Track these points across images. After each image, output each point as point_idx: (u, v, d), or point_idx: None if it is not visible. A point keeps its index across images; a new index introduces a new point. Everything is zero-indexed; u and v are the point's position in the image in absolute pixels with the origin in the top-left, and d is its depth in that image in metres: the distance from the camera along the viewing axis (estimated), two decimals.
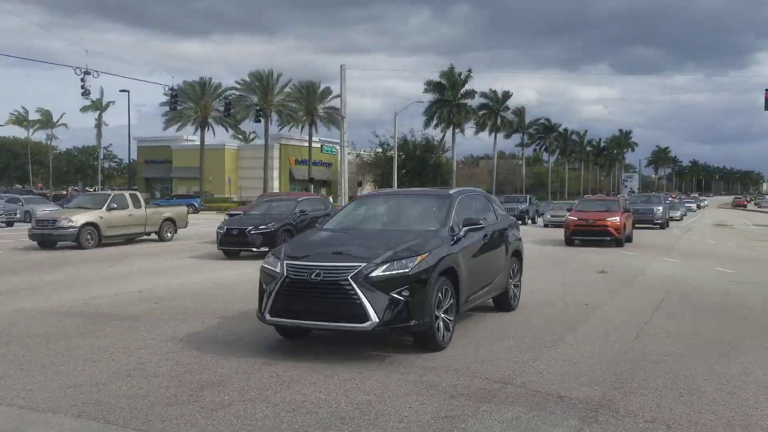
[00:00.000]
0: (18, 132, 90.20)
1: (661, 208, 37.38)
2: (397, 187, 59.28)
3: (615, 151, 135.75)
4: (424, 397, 5.84)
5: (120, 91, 60.39)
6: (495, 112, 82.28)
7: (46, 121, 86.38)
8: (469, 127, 77.49)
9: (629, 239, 24.82)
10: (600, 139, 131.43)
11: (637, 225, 32.27)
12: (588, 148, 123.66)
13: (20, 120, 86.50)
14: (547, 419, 5.30)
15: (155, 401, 5.66)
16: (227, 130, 73.33)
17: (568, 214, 26.37)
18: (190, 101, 65.33)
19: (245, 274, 14.41)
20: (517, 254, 10.42)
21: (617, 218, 23.23)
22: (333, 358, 7.13)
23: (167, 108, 55.68)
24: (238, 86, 66.80)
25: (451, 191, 9.08)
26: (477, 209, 9.28)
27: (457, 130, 72.79)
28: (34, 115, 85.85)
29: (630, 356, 7.37)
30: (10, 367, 6.71)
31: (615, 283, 13.48)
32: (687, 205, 73.24)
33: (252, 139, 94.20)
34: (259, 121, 56.63)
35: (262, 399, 5.73)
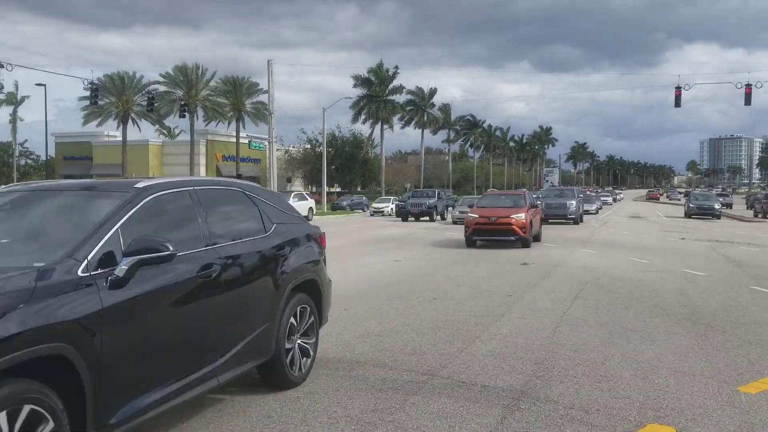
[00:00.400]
0: None
1: (574, 202, 35.79)
2: (327, 183, 59.19)
3: (536, 147, 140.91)
4: (353, 391, 5.91)
5: (36, 84, 57.51)
6: (421, 108, 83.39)
7: None
8: (397, 123, 78.21)
9: (537, 238, 22.35)
10: (522, 135, 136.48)
11: (550, 221, 32.97)
12: (511, 144, 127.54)
13: None
14: (472, 409, 5.46)
15: None
16: (152, 126, 71.33)
17: (468, 211, 24.24)
18: (112, 95, 63.17)
19: None
20: (310, 288, 6.38)
21: (523, 215, 20.52)
22: None
23: (87, 102, 53.68)
24: (162, 80, 65.02)
25: (140, 184, 4.83)
26: (204, 218, 5.15)
27: (385, 126, 73.33)
28: None
29: (550, 345, 7.66)
30: None
31: (537, 275, 13.93)
32: (603, 198, 74.07)
33: (177, 135, 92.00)
34: (184, 116, 55.30)
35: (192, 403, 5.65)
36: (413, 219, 39.94)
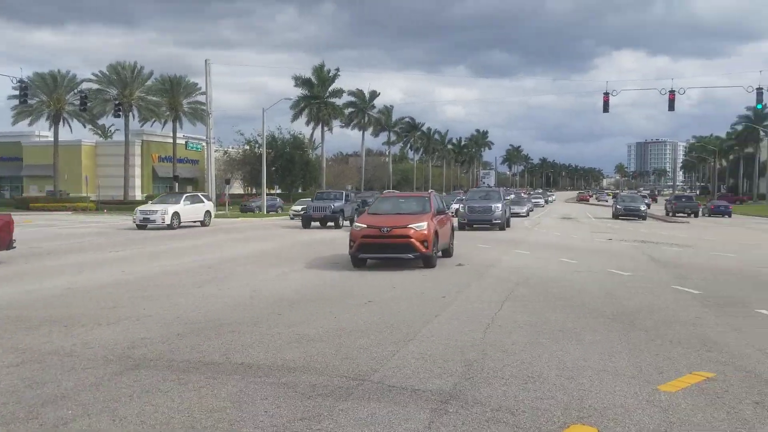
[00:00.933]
0: None
1: (500, 205, 31.17)
2: (267, 185, 58.43)
3: (474, 150, 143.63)
4: (282, 399, 5.83)
5: None
6: (362, 110, 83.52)
7: None
8: (338, 125, 78.10)
9: (448, 253, 17.94)
10: (460, 138, 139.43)
11: (475, 227, 30.83)
12: (449, 147, 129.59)
13: None
14: (400, 414, 5.46)
15: None
16: (84, 126, 69.05)
17: (356, 219, 19.93)
18: (43, 94, 60.92)
19: (77, 282, 13.70)
20: None
21: (425, 224, 15.54)
22: (189, 366, 6.93)
23: (17, 102, 51.57)
24: (95, 79, 63.06)
25: None
26: None
27: (325, 128, 73.07)
28: None
29: (481, 346, 7.75)
30: None
31: (470, 276, 14.10)
32: (535, 200, 73.63)
33: (111, 135, 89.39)
34: (119, 116, 53.73)
35: (109, 412, 5.48)
36: (319, 225, 33.80)
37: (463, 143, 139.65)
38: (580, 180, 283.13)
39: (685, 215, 52.65)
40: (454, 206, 39.19)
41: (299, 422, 5.27)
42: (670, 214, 53.80)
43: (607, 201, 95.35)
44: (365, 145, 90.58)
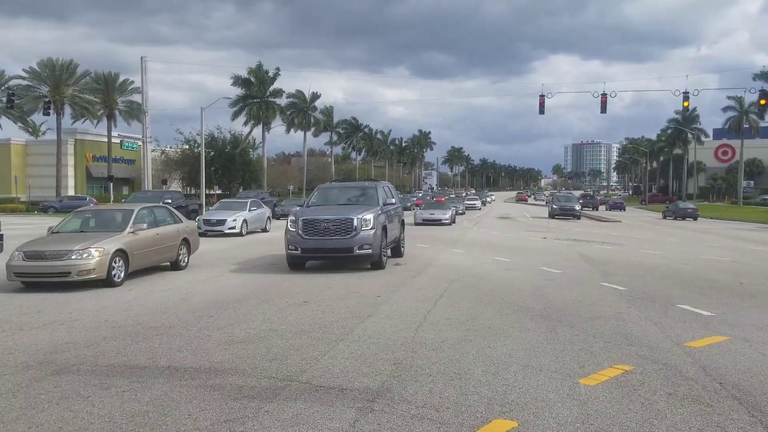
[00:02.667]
0: None
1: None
2: (207, 185, 57.43)
3: (416, 150, 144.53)
4: (207, 402, 5.77)
5: None
6: (304, 110, 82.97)
7: None
8: (279, 125, 77.32)
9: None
10: (402, 138, 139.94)
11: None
12: (392, 147, 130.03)
13: None
14: (326, 413, 5.48)
15: None
16: (15, 123, 66.38)
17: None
18: None
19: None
20: None
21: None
22: (114, 370, 6.78)
23: None
24: (25, 75, 60.74)
25: None
26: None
27: (265, 128, 72.32)
28: None
29: (411, 345, 7.84)
30: None
31: (407, 275, 14.22)
32: (468, 202, 68.48)
33: (44, 133, 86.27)
34: (49, 113, 51.86)
35: (25, 419, 5.31)
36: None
37: (405, 144, 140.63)
38: (520, 180, 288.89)
39: (589, 209, 68.52)
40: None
41: (223, 424, 5.23)
42: (589, 208, 69.93)
43: (544, 201, 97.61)
44: (307, 145, 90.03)
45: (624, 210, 74.85)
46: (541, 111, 42.36)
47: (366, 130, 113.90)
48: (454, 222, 37.64)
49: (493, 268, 15.81)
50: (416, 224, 34.64)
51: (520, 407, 5.67)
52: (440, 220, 36.20)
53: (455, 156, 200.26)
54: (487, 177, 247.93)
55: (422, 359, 7.18)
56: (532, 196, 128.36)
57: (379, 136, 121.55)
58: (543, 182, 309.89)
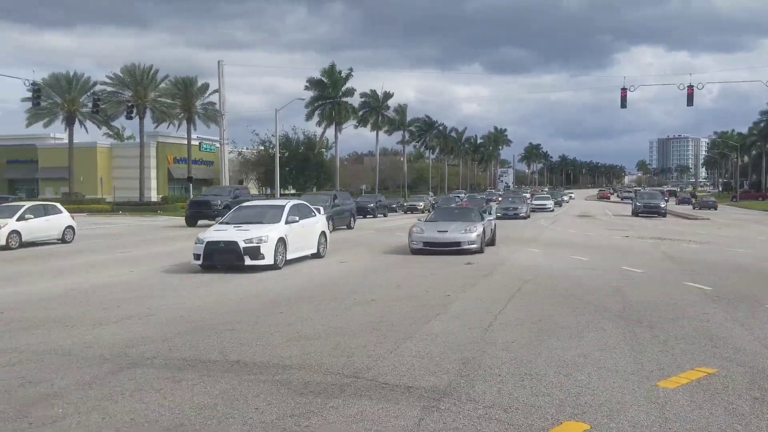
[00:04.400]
0: None
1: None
2: (281, 186, 58.58)
3: (491, 148, 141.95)
4: (273, 396, 5.79)
5: None
6: (376, 110, 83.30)
7: None
8: (351, 125, 78.00)
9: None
10: (476, 136, 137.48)
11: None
12: (466, 145, 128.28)
13: None
14: (391, 411, 5.39)
15: None
16: (99, 128, 69.62)
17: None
18: (57, 96, 61.44)
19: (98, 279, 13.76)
20: None
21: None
22: (185, 364, 6.92)
23: (30, 104, 52.04)
24: (109, 81, 63.55)
25: None
26: None
27: (338, 128, 73.08)
28: None
29: (480, 344, 7.66)
30: None
31: (478, 274, 13.98)
32: (537, 202, 56.15)
33: (128, 137, 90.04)
34: (131, 117, 54.08)
35: (100, 410, 5.46)
36: None
37: (479, 141, 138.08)
38: (601, 177, 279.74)
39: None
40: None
41: (288, 419, 5.22)
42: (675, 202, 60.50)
43: (629, 198, 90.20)
44: (380, 144, 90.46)
45: (716, 209, 62.25)
46: (623, 105, 40.99)
47: (440, 128, 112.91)
48: (481, 249, 18.41)
49: (569, 267, 15.35)
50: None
51: (593, 409, 5.42)
52: (458, 243, 18.11)
53: (532, 153, 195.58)
54: (567, 174, 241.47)
55: (491, 359, 7.00)
56: (615, 194, 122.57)
57: (453, 134, 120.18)
58: (626, 179, 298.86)
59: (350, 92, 73.07)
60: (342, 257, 17.72)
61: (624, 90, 40.59)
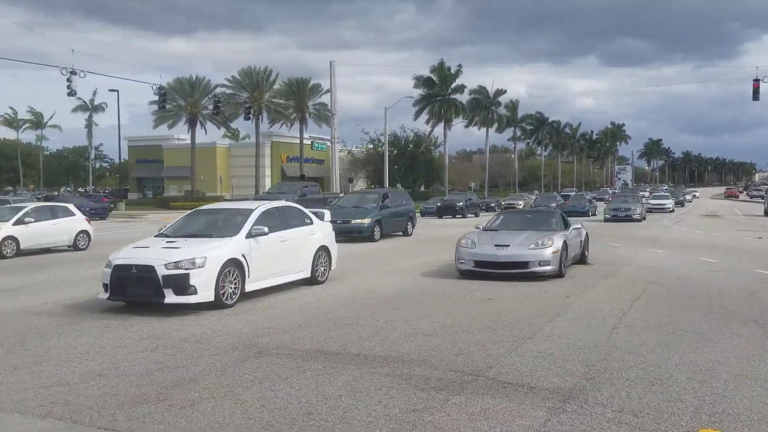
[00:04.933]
0: (7, 134, 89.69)
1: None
2: (390, 183, 59.22)
3: (608, 144, 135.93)
4: (395, 390, 5.85)
5: (109, 90, 60.25)
6: (486, 107, 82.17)
7: (37, 122, 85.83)
8: (458, 123, 77.40)
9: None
10: (592, 131, 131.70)
11: None
12: (581, 141, 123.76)
13: (10, 121, 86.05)
14: (515, 410, 5.31)
15: (124, 400, 5.65)
16: (218, 128, 73.12)
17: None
18: (180, 99, 65.03)
19: None
20: None
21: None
22: (308, 355, 7.12)
23: (156, 107, 55.43)
24: (228, 83, 66.55)
25: None
26: None
27: (447, 126, 72.78)
28: (24, 117, 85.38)
29: (605, 347, 7.39)
30: None
31: (599, 275, 13.49)
32: (655, 201, 47.87)
33: (244, 138, 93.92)
34: (249, 118, 56.40)
35: (232, 396, 5.73)
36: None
37: (595, 137, 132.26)
38: (729, 175, 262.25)
39: None
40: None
41: (411, 413, 5.26)
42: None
43: (761, 197, 79.22)
44: (489, 141, 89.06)
45: None
46: (755, 97, 38.33)
47: (554, 124, 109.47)
48: (560, 272, 13.10)
49: (697, 269, 14.51)
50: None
51: (731, 418, 5.11)
52: (525, 263, 12.88)
53: (653, 149, 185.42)
54: (690, 171, 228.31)
55: (618, 362, 6.74)
56: (745, 192, 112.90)
57: (566, 129, 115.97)
58: (757, 176, 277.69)
59: (460, 89, 72.49)
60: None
61: (756, 81, 37.97)
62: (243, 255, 10.29)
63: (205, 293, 9.53)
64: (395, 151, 70.35)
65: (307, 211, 12.81)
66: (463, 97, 75.30)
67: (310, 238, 12.27)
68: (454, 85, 71.64)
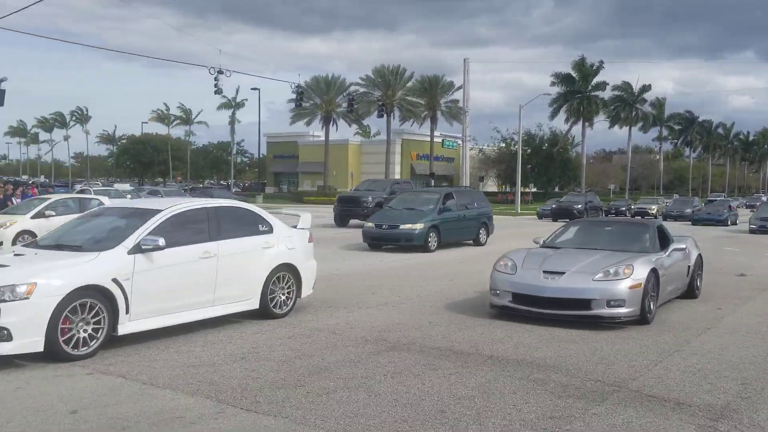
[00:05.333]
0: (160, 129, 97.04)
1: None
2: (522, 183, 57.87)
3: (765, 146, 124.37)
4: (530, 395, 5.67)
5: (251, 89, 63.25)
6: (630, 104, 78.09)
7: (186, 118, 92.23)
8: (599, 121, 74.25)
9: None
10: (748, 132, 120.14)
11: None
12: (735, 143, 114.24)
13: (162, 118, 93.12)
14: (660, 425, 4.98)
15: (264, 384, 5.87)
16: (350, 126, 74.96)
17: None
18: (316, 97, 67.24)
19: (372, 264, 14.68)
20: None
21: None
22: (440, 353, 7.08)
23: (294, 105, 57.69)
24: (361, 82, 68.01)
25: None
26: None
27: (586, 124, 70.09)
28: (174, 113, 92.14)
29: (762, 364, 6.79)
30: (135, 346, 7.15)
31: (755, 287, 12.45)
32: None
33: (375, 135, 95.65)
34: (382, 116, 57.30)
35: (365, 388, 5.79)
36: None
37: (752, 138, 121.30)
38: None
39: None
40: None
41: (548, 420, 5.07)
42: None
43: None
44: (632, 141, 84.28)
45: None
46: None
47: (704, 123, 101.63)
48: (642, 316, 8.62)
49: None
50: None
51: None
52: (586, 302, 8.49)
53: None
54: None
55: None
56: None
57: (719, 129, 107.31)
58: None
59: (601, 86, 69.52)
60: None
61: None
62: (116, 279, 6.91)
63: (26, 339, 6.22)
64: (529, 150, 68.60)
65: (265, 214, 9.13)
66: (605, 95, 72.17)
67: (264, 252, 8.65)
68: (594, 81, 68.84)
